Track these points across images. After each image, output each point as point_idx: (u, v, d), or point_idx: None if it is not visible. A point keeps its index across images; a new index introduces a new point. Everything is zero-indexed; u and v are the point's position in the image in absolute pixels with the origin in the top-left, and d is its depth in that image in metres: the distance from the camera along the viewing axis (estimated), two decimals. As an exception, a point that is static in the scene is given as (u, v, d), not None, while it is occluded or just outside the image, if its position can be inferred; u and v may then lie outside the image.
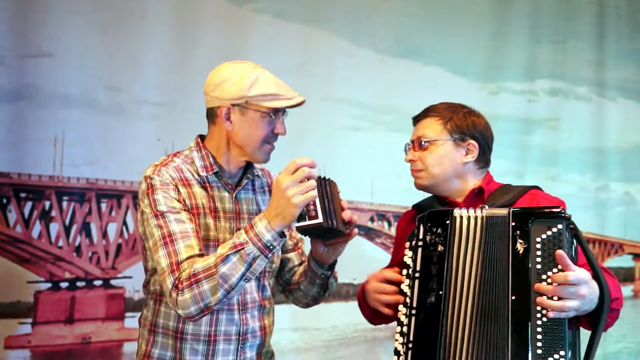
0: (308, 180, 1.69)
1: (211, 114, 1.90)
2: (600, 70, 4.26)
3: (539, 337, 1.68)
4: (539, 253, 1.74)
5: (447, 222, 1.83)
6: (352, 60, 3.53)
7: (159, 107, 3.04)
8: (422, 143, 2.00)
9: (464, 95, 3.78)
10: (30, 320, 2.82)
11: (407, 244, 1.90)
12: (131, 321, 2.97)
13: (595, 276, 1.75)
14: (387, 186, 3.59)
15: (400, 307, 1.86)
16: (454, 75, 3.80)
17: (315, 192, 1.69)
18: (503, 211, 1.82)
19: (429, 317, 1.77)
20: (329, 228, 1.76)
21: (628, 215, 4.38)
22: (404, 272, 1.88)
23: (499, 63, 3.95)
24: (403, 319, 1.83)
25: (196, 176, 1.88)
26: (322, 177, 1.80)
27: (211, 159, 1.89)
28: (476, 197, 2.03)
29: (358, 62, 3.54)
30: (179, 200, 1.82)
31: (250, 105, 1.85)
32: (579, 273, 1.69)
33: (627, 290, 4.32)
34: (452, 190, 2.04)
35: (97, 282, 2.92)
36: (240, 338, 1.88)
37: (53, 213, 2.85)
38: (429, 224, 1.85)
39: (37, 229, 2.82)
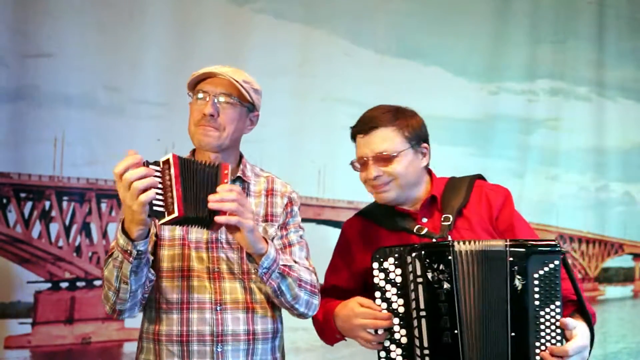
0: (139, 179, 1.57)
1: None
2: (600, 70, 4.26)
3: None
4: (537, 289, 1.75)
5: (450, 257, 1.78)
6: (352, 60, 3.52)
7: (159, 107, 3.03)
8: (389, 157, 1.94)
9: (464, 95, 3.83)
10: (30, 320, 2.82)
11: (376, 265, 1.85)
12: (131, 321, 2.97)
13: (583, 311, 1.81)
14: (387, 186, 3.59)
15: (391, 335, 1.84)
16: (454, 75, 3.80)
17: (149, 194, 1.57)
18: (499, 243, 1.80)
19: (447, 358, 1.75)
20: (193, 218, 1.65)
21: (628, 215, 4.38)
22: (377, 294, 1.85)
23: (499, 63, 3.95)
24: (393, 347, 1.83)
25: None
26: (191, 162, 1.69)
27: None
28: (430, 206, 2.01)
29: (358, 62, 3.54)
30: None
31: (190, 96, 1.95)
32: (578, 342, 1.74)
33: (627, 290, 4.31)
34: (411, 199, 2.02)
35: (97, 282, 2.92)
36: (216, 339, 1.83)
37: (53, 213, 2.85)
38: (427, 260, 1.79)
39: (37, 229, 2.82)
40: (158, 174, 1.62)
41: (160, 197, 1.60)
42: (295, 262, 1.91)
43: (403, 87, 3.57)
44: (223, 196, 1.67)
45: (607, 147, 4.27)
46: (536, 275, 1.75)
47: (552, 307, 1.74)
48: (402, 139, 1.96)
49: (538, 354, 1.74)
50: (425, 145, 2.01)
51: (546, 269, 1.75)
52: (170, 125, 3.02)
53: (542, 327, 1.75)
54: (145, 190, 1.57)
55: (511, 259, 1.76)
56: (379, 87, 3.55)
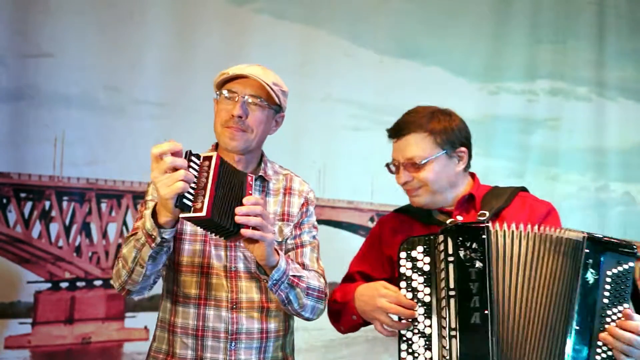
0: (175, 169, 1.56)
1: None
2: (600, 70, 4.26)
3: None
4: (607, 287, 1.71)
5: (483, 236, 1.76)
6: (352, 60, 3.53)
7: (159, 107, 3.04)
8: (418, 164, 1.94)
9: (464, 95, 3.83)
10: (30, 320, 2.82)
11: (404, 255, 1.83)
12: (131, 321, 2.97)
13: None
14: (387, 186, 3.55)
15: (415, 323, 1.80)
16: (454, 76, 3.80)
17: (181, 185, 1.54)
18: (576, 234, 1.76)
19: (475, 338, 1.71)
20: (216, 223, 1.61)
21: (628, 215, 4.37)
22: (403, 284, 1.82)
23: (499, 63, 3.95)
24: (415, 337, 1.79)
25: None
26: (228, 167, 1.67)
27: None
28: (467, 204, 2.01)
29: (358, 62, 3.54)
30: None
31: (217, 94, 1.94)
32: None
33: (627, 290, 4.32)
34: (449, 200, 2.01)
35: (97, 282, 2.92)
36: (230, 337, 1.86)
37: (53, 213, 2.85)
38: (460, 239, 1.76)
39: (37, 229, 2.82)
40: (196, 167, 1.62)
41: (192, 192, 1.59)
42: (305, 264, 1.94)
43: (403, 87, 3.57)
44: (249, 210, 1.66)
45: (607, 147, 4.27)
46: (609, 273, 1.71)
47: (620, 308, 1.70)
48: (434, 145, 1.95)
49: (599, 354, 1.69)
50: (462, 149, 1.99)
51: (620, 268, 1.71)
52: (170, 125, 3.02)
53: (607, 326, 1.70)
54: (181, 180, 1.55)
55: (587, 251, 1.72)
56: (379, 87, 3.56)
